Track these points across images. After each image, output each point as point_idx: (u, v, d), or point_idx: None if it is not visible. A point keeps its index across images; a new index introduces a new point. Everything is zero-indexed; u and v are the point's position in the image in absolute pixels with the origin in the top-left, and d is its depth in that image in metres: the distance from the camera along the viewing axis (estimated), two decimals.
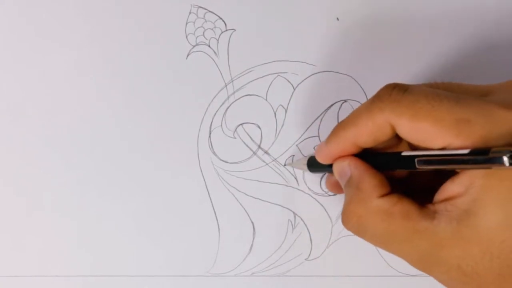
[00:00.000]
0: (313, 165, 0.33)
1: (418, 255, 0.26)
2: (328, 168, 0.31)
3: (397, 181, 0.29)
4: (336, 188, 0.34)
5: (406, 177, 0.30)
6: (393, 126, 0.26)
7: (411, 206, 0.26)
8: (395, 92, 0.26)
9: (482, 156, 0.23)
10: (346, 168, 0.29)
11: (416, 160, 0.26)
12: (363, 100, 0.36)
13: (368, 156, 0.29)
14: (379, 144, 0.28)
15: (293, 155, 0.36)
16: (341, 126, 0.29)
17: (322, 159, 0.31)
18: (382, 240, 0.27)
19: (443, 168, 0.25)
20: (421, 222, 0.25)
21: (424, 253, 0.26)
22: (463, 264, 0.25)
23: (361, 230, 0.28)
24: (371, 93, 0.35)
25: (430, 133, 0.25)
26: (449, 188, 0.25)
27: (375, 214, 0.27)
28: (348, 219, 0.28)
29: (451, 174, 0.26)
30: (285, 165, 0.36)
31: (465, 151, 0.24)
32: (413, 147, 0.28)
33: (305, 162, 0.34)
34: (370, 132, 0.27)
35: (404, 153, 0.27)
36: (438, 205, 0.26)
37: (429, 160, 0.25)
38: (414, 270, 0.35)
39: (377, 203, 0.27)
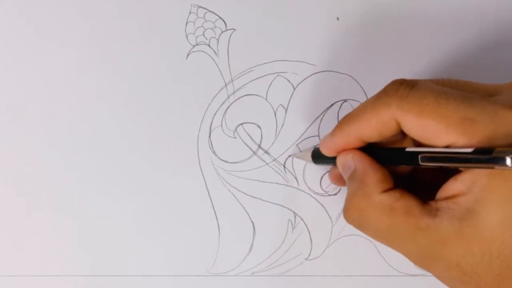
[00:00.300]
0: (317, 157, 0.33)
1: (419, 252, 0.26)
2: (332, 160, 0.31)
3: (400, 176, 0.29)
4: (339, 180, 0.33)
5: (409, 173, 0.30)
6: (398, 122, 0.26)
7: (414, 202, 0.26)
8: (402, 88, 0.26)
9: (485, 156, 0.23)
10: (350, 162, 0.29)
11: (419, 156, 0.26)
12: (363, 100, 0.36)
13: (373, 150, 0.29)
14: (384, 139, 0.28)
15: (292, 155, 0.36)
16: (346, 120, 0.29)
17: (326, 151, 0.31)
18: (383, 235, 0.27)
19: (446, 165, 0.25)
20: (423, 219, 0.25)
21: (425, 250, 0.26)
22: (463, 262, 0.25)
23: (363, 224, 0.28)
24: (371, 93, 0.35)
25: (435, 130, 0.25)
26: (452, 186, 0.25)
27: (377, 209, 0.27)
28: (350, 212, 0.28)
29: (454, 172, 0.26)
30: (289, 156, 0.35)
31: (469, 150, 0.24)
32: (417, 144, 0.28)
33: (310, 154, 0.34)
34: (374, 127, 0.27)
35: (408, 149, 0.27)
36: (441, 202, 0.26)
37: (432, 157, 0.25)
38: (414, 270, 0.35)
39: (380, 198, 0.27)
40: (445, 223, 0.25)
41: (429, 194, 0.27)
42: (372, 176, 0.28)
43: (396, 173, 0.29)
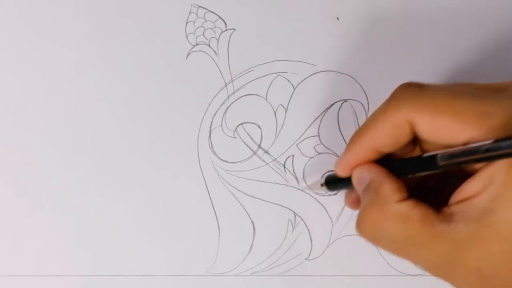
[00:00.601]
0: (331, 182, 0.32)
1: (436, 261, 0.26)
2: (347, 183, 0.30)
3: (408, 188, 0.29)
4: (356, 204, 0.32)
5: (416, 184, 0.30)
6: (412, 125, 0.26)
7: (429, 210, 0.26)
8: (412, 89, 0.26)
9: (507, 142, 0.23)
10: (365, 174, 0.28)
11: (438, 155, 0.25)
12: (363, 100, 0.36)
13: (388, 163, 0.28)
14: (398, 147, 0.28)
15: (293, 155, 0.36)
16: (358, 133, 0.28)
17: (341, 171, 0.30)
18: (398, 246, 0.27)
19: (467, 161, 0.24)
20: (439, 226, 0.25)
21: (442, 258, 0.25)
22: (483, 265, 0.24)
23: (377, 235, 0.27)
24: (371, 93, 0.36)
25: (451, 128, 0.25)
26: (466, 188, 0.25)
27: (393, 218, 0.26)
28: (364, 223, 0.27)
29: (464, 178, 0.25)
30: (301, 189, 0.35)
31: (488, 142, 0.23)
32: (427, 151, 0.28)
33: (322, 182, 0.33)
34: (388, 133, 0.27)
35: (425, 154, 0.27)
36: (454, 207, 0.25)
37: (452, 154, 0.25)
38: (414, 270, 0.35)
39: (396, 207, 0.26)
40: (461, 227, 0.24)
41: (438, 204, 0.26)
42: (388, 186, 0.27)
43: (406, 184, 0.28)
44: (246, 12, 0.36)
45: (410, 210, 0.26)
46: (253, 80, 0.36)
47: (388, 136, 0.27)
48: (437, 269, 0.26)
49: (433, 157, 0.26)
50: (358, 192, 0.29)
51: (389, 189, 0.27)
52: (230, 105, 0.36)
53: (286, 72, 0.36)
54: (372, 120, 0.27)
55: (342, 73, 0.36)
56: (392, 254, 0.27)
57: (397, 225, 0.26)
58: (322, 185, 0.33)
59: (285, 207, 0.36)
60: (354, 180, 0.29)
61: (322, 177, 0.34)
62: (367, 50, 0.36)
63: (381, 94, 0.28)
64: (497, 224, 0.24)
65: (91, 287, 0.36)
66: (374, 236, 0.27)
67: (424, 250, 0.26)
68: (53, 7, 0.37)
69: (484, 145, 0.24)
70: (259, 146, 0.36)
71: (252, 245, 0.36)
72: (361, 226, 0.27)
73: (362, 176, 0.29)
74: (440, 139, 0.25)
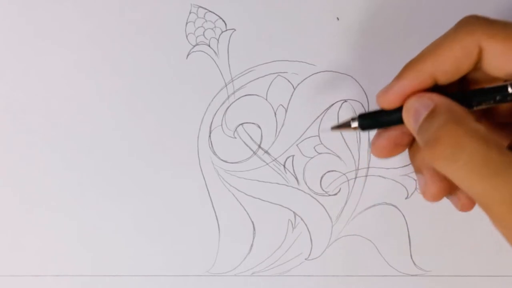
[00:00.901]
0: (366, 120, 0.28)
1: (509, 193, 0.23)
2: (391, 117, 0.27)
3: None
4: (388, 148, 0.29)
5: None
6: (481, 51, 0.25)
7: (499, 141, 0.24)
8: (482, 18, 0.25)
9: None
10: (427, 101, 0.26)
11: (509, 84, 0.25)
12: (363, 100, 0.36)
13: (447, 95, 0.26)
14: (459, 76, 0.26)
15: (293, 155, 0.36)
16: (417, 58, 0.26)
17: (389, 100, 0.27)
18: (477, 168, 0.23)
19: None
20: None
21: None
22: None
23: (456, 154, 0.24)
24: (371, 93, 0.36)
25: None
26: None
27: (475, 135, 0.23)
28: (442, 141, 0.24)
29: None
30: (321, 131, 0.34)
31: None
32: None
33: (355, 117, 0.28)
34: (455, 58, 0.25)
35: (490, 86, 0.25)
36: None
37: None
38: (414, 270, 0.35)
39: (477, 125, 0.24)
40: None
41: None
42: (460, 107, 0.25)
43: None
44: (246, 12, 0.36)
45: (488, 133, 0.24)
46: (253, 80, 0.36)
47: (453, 61, 0.25)
48: (508, 203, 0.23)
49: (503, 87, 0.25)
50: (411, 126, 0.26)
51: (463, 109, 0.25)
52: (230, 105, 0.36)
53: (286, 72, 0.36)
54: (437, 44, 0.26)
55: (342, 73, 0.36)
56: (465, 181, 0.24)
57: (479, 142, 0.23)
58: (352, 123, 0.28)
59: (285, 207, 0.36)
60: (409, 111, 0.26)
61: (349, 117, 0.29)
62: (367, 50, 0.36)
63: None
64: None
65: (91, 287, 0.36)
66: (452, 155, 0.24)
67: (500, 179, 0.23)
68: (53, 7, 0.37)
69: None
70: (259, 146, 0.36)
71: (252, 245, 0.36)
72: (437, 144, 0.24)
73: (421, 105, 0.26)
74: (508, 69, 0.25)
